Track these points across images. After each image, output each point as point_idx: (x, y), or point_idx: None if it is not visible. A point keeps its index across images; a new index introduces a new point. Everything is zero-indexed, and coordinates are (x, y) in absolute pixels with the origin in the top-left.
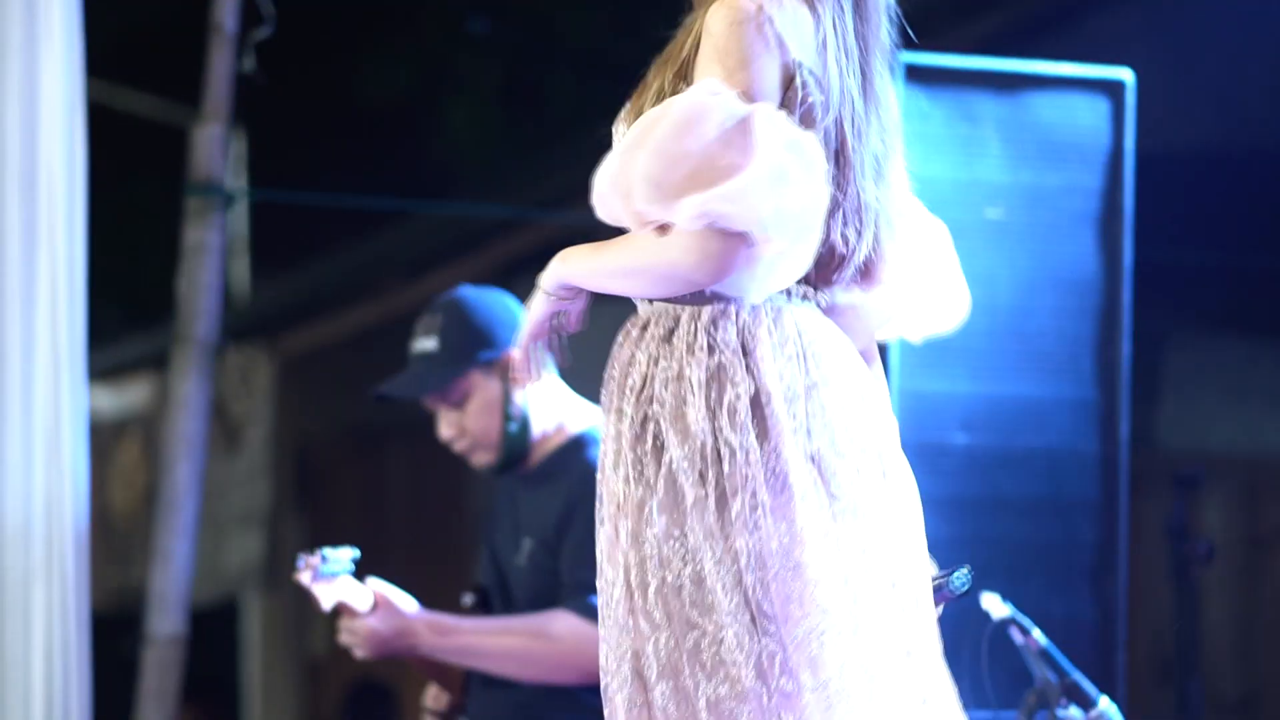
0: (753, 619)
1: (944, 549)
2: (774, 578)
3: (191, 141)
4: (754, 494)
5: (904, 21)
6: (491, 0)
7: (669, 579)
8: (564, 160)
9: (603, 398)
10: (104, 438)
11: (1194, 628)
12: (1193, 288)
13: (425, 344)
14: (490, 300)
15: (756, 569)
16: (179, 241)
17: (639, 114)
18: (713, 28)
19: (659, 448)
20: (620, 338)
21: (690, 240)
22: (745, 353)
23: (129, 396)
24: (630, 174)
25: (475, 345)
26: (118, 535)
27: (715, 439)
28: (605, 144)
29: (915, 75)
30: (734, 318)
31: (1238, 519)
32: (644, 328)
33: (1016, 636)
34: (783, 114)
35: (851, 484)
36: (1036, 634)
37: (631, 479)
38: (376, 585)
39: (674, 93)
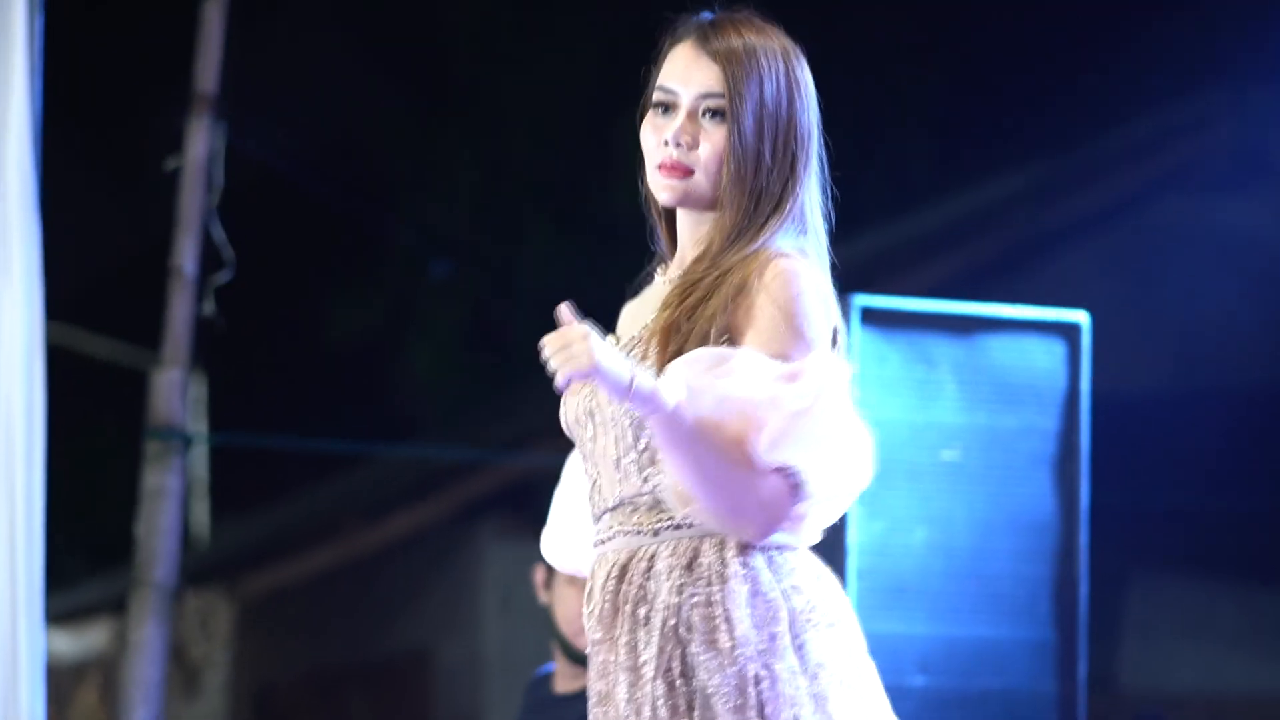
0: None
1: None
2: None
3: (151, 385)
4: (798, 717)
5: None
6: (453, 243)
7: None
8: (526, 402)
9: (593, 634)
10: (62, 681)
11: None
12: (1150, 528)
13: None
14: None
15: None
16: (138, 485)
17: (664, 353)
18: (785, 290)
19: (688, 674)
20: (609, 574)
21: (780, 486)
22: (779, 579)
23: (87, 640)
24: (793, 425)
25: None
26: None
27: (755, 664)
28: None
29: (871, 318)
30: (759, 546)
31: None
32: (650, 560)
33: None
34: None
35: (874, 710)
36: None
37: (661, 707)
38: None
39: (718, 340)
